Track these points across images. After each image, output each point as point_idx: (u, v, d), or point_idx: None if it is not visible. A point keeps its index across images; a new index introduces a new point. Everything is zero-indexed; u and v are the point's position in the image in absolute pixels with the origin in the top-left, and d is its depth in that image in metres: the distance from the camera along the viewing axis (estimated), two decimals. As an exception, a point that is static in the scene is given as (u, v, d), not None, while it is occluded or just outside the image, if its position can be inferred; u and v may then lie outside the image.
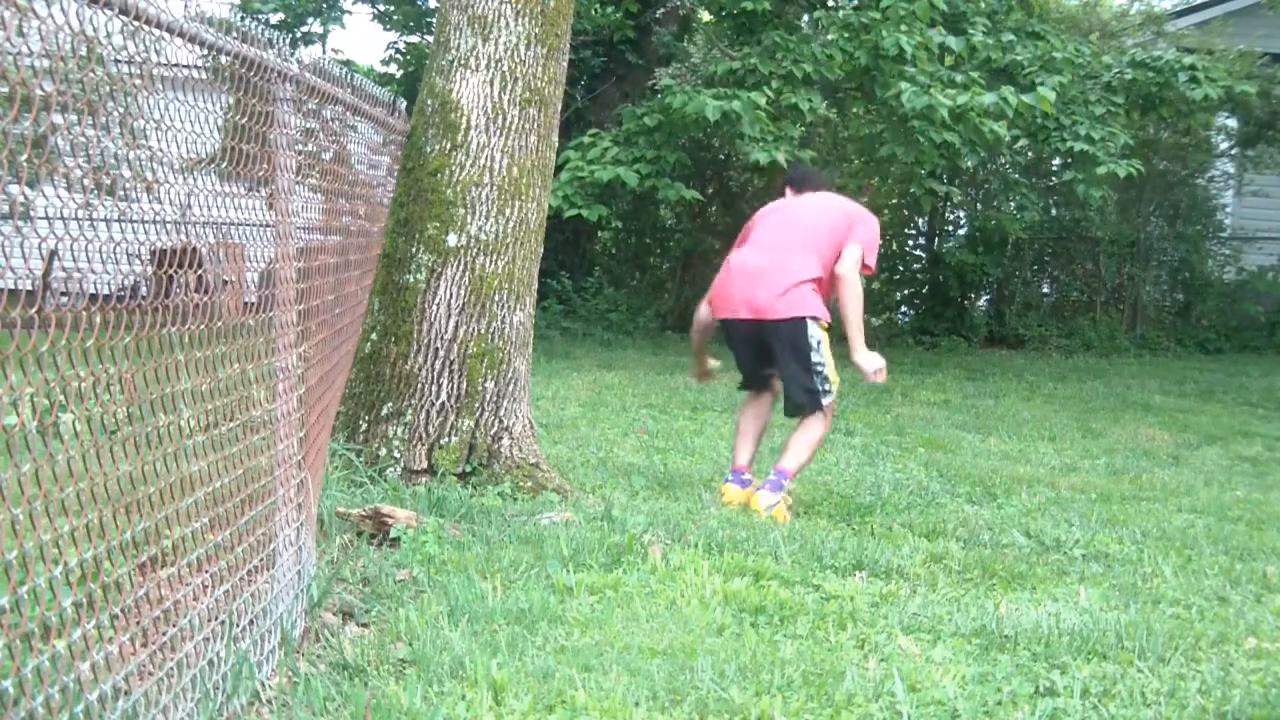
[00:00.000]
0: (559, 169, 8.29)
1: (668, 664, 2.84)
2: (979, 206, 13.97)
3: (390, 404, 4.71)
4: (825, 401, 4.82)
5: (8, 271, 1.69)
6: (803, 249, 4.85)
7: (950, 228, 14.29)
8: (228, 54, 2.52)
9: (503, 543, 3.90)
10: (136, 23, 2.08)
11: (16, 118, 1.69)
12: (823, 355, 4.78)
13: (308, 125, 3.34)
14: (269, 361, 2.85)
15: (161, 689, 2.22)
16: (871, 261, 4.93)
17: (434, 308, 4.71)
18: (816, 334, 4.78)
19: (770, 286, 4.79)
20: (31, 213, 1.91)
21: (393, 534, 3.85)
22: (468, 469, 4.66)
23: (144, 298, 2.21)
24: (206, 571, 2.47)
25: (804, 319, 4.76)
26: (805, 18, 11.50)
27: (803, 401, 4.84)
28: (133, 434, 2.10)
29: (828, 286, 4.89)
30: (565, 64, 4.99)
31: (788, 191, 5.33)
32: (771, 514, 4.62)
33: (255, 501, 2.78)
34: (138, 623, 2.17)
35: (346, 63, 13.79)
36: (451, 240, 4.71)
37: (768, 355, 4.95)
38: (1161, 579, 3.94)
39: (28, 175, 1.72)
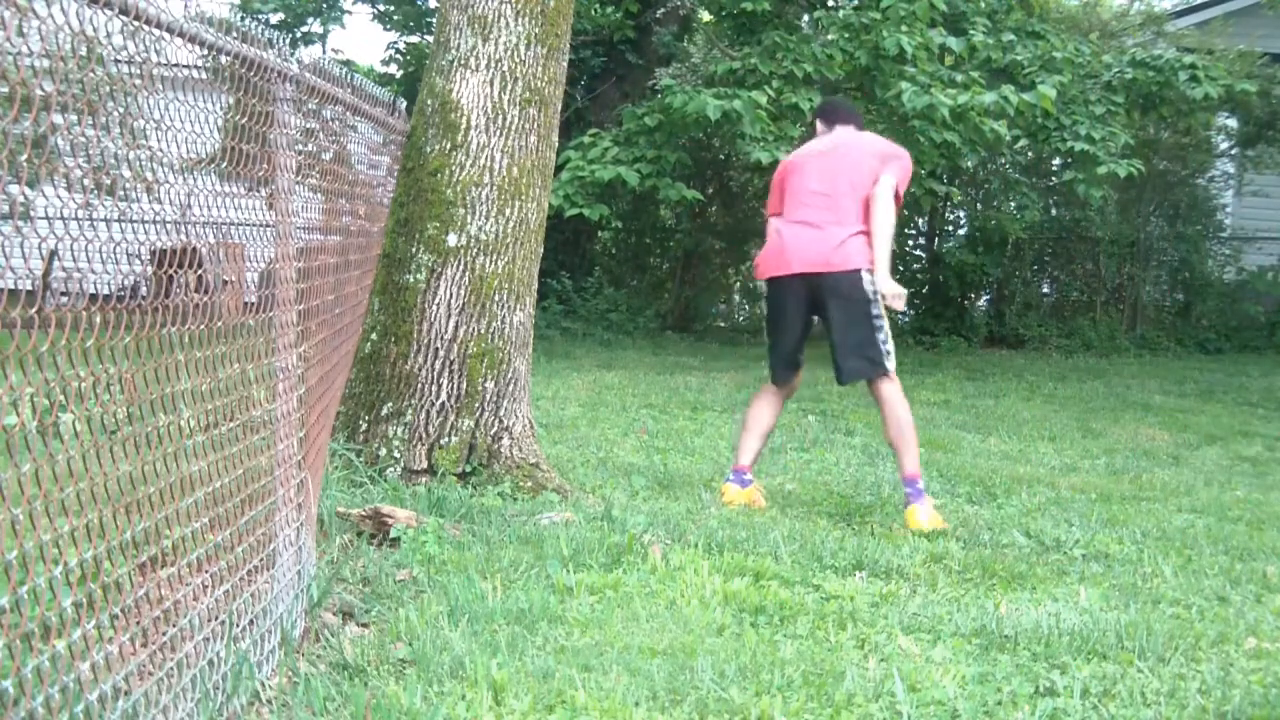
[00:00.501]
0: (559, 169, 8.29)
1: (668, 664, 2.84)
2: (979, 206, 13.98)
3: (390, 404, 4.71)
4: (890, 365, 4.70)
5: (8, 271, 1.69)
6: (849, 197, 4.73)
7: (950, 228, 14.31)
8: (228, 54, 2.53)
9: (503, 543, 3.90)
10: (136, 23, 2.08)
11: (16, 118, 1.69)
12: (881, 309, 4.70)
13: (308, 125, 3.34)
14: (269, 361, 2.86)
15: (161, 689, 2.22)
16: (902, 191, 4.83)
17: (434, 308, 4.71)
18: (871, 284, 4.68)
19: (826, 239, 4.69)
20: (31, 213, 1.91)
21: (393, 534, 3.85)
22: (468, 469, 4.66)
23: (144, 298, 2.21)
24: (206, 571, 2.47)
25: (859, 270, 4.67)
26: (805, 18, 11.51)
27: (859, 365, 4.72)
28: (133, 434, 2.10)
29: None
30: (565, 64, 4.99)
31: (818, 126, 5.13)
32: (931, 524, 4.46)
33: (255, 501, 2.78)
34: (138, 623, 2.17)
35: (346, 63, 13.80)
36: (451, 240, 4.71)
37: (810, 321, 4.85)
38: (1161, 579, 3.94)
39: (28, 175, 1.72)
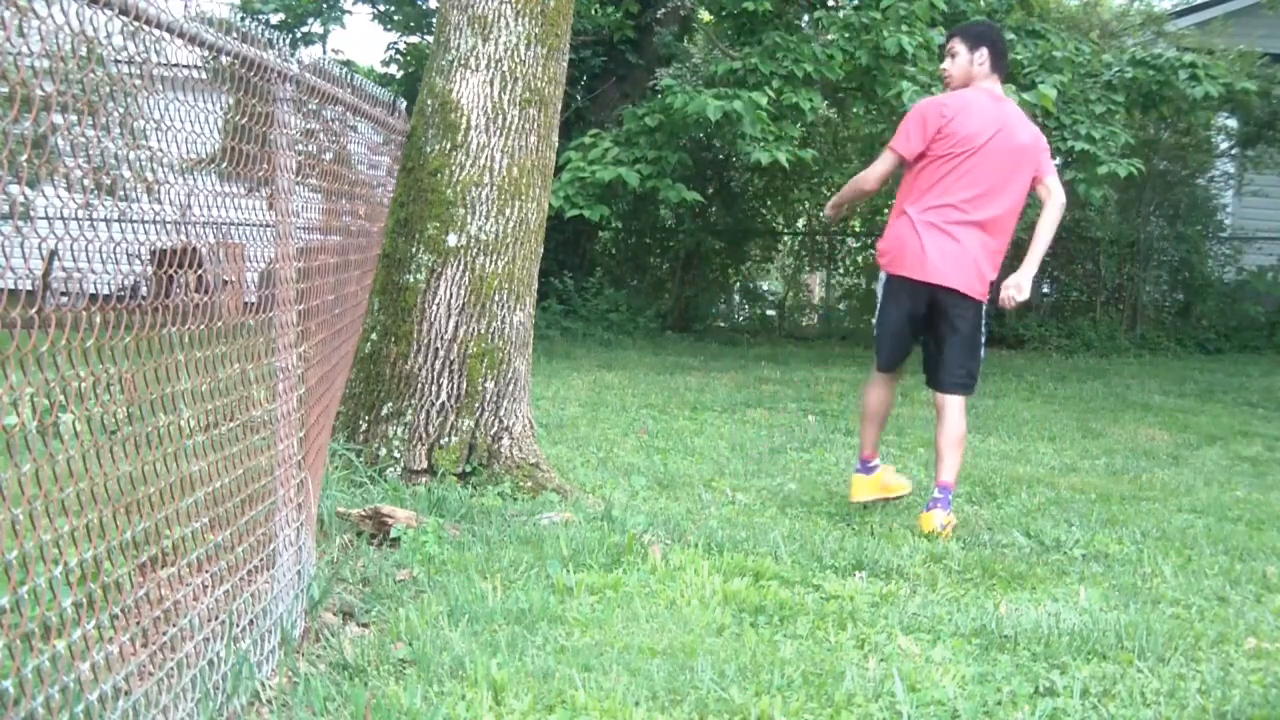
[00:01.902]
0: (560, 169, 8.30)
1: (668, 664, 2.84)
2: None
3: (390, 404, 4.71)
4: (976, 386, 4.77)
5: (8, 271, 1.69)
6: (995, 209, 4.61)
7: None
8: (228, 54, 2.53)
9: (503, 543, 3.90)
10: (136, 23, 2.08)
11: (16, 118, 1.69)
12: (984, 334, 4.75)
13: (308, 125, 3.34)
14: (269, 361, 2.86)
15: (161, 689, 2.22)
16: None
17: (434, 308, 4.71)
18: (989, 307, 4.77)
19: (968, 256, 4.60)
20: (31, 213, 1.91)
21: (393, 534, 3.85)
22: (468, 469, 4.66)
23: (144, 298, 2.21)
24: (206, 571, 2.47)
25: (984, 301, 4.72)
26: (805, 18, 11.51)
27: (963, 380, 4.71)
28: (133, 434, 2.10)
29: None
30: (565, 64, 4.99)
31: (987, 60, 4.66)
32: (943, 531, 4.43)
33: (255, 501, 2.78)
34: (138, 623, 2.17)
35: (346, 63, 13.80)
36: (451, 240, 4.71)
37: (920, 327, 4.79)
38: (1161, 579, 3.94)
39: (28, 175, 1.72)
